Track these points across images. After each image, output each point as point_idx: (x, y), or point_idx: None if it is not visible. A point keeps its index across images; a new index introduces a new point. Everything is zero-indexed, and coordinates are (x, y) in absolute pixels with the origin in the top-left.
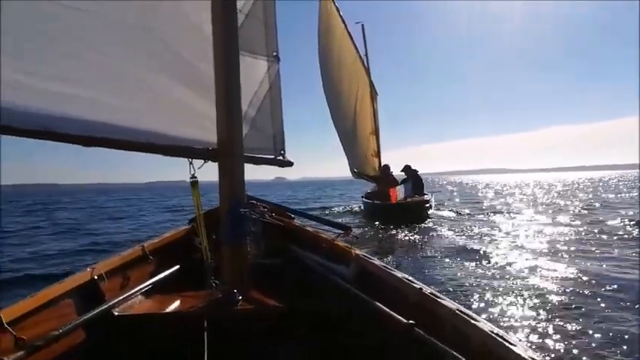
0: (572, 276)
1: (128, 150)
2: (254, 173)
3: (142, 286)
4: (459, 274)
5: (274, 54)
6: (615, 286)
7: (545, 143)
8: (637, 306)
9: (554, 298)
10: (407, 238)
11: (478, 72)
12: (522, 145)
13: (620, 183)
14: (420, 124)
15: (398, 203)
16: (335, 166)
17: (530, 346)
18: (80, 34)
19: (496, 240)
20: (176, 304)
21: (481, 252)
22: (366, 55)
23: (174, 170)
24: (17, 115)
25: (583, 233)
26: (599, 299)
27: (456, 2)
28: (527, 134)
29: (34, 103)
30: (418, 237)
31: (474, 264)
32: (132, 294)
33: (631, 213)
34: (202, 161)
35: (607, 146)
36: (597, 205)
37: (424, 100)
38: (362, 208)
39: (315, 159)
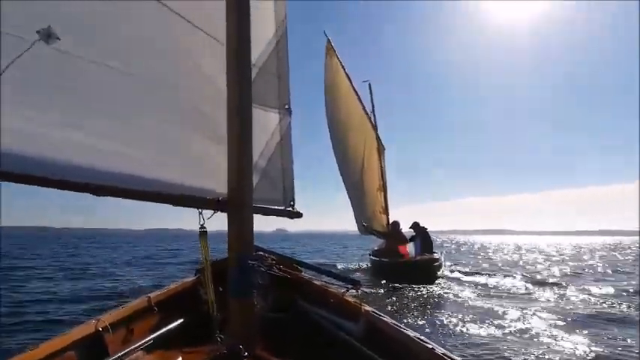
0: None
1: (137, 199)
2: (255, 224)
3: (145, 340)
4: (472, 337)
5: (286, 107)
6: None
7: (550, 205)
8: None
9: None
10: (417, 298)
11: (480, 128)
12: (530, 205)
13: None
14: (424, 183)
15: (407, 262)
16: (339, 219)
17: None
18: (99, 88)
19: (513, 304)
20: (179, 359)
21: (496, 316)
22: (373, 111)
23: (172, 218)
24: (26, 162)
25: (597, 300)
26: None
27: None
28: (531, 196)
29: (45, 151)
30: (428, 297)
31: (488, 328)
32: (135, 348)
33: None
34: (212, 211)
35: (613, 210)
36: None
37: (427, 157)
38: (368, 265)
39: (318, 212)
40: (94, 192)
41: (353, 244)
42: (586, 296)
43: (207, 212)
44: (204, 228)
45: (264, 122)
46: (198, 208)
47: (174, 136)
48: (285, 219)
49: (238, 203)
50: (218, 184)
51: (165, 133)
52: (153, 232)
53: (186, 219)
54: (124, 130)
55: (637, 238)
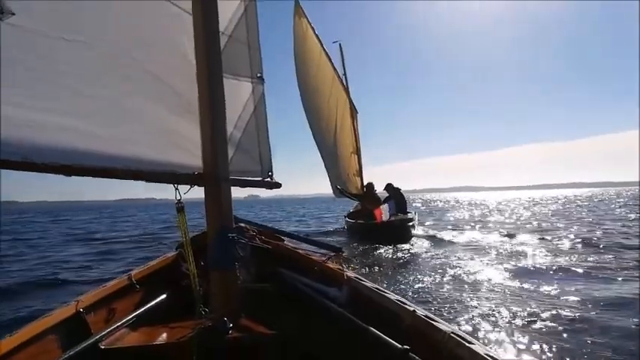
0: (559, 292)
1: (110, 177)
2: None
3: (128, 317)
4: (448, 294)
5: (258, 75)
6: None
7: (516, 161)
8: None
9: (545, 317)
10: (393, 258)
11: (450, 88)
12: (496, 162)
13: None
14: (392, 142)
15: (382, 223)
16: (310, 183)
17: None
18: (60, 63)
19: (486, 258)
20: (164, 334)
21: (470, 270)
22: (345, 74)
23: (144, 189)
24: None
25: (564, 247)
26: (586, 314)
27: (426, 3)
28: (499, 152)
29: (9, 133)
30: (404, 257)
31: (463, 283)
32: (119, 326)
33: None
34: (188, 186)
35: (577, 164)
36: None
37: (396, 116)
38: (344, 227)
39: (289, 177)
40: (65, 172)
41: (326, 207)
42: (552, 244)
43: (184, 187)
44: (182, 203)
45: (237, 92)
46: (173, 184)
47: (146, 112)
48: None
49: (214, 176)
50: (194, 158)
51: (137, 110)
52: (123, 203)
53: (158, 188)
54: (92, 108)
55: (598, 189)
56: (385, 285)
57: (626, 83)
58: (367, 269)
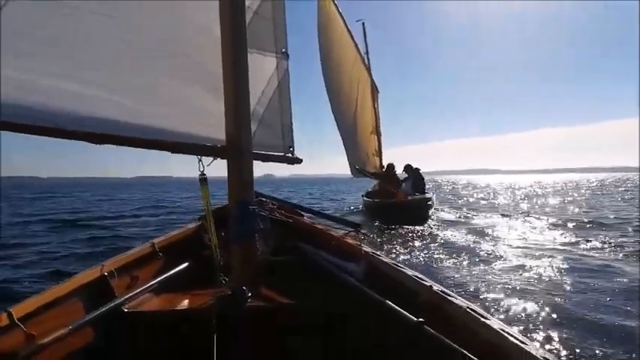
0: (571, 273)
1: (137, 147)
2: None
3: (151, 283)
4: (465, 273)
5: (283, 51)
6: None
7: (533, 145)
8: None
9: (556, 298)
10: (410, 237)
11: (463, 71)
12: (512, 145)
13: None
14: (409, 124)
15: (399, 202)
16: (326, 163)
17: (542, 345)
18: (92, 36)
19: (501, 240)
20: (185, 301)
21: (487, 252)
22: (367, 53)
23: (162, 166)
24: (26, 112)
25: (575, 231)
26: (604, 296)
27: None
28: (516, 135)
29: (45, 101)
30: (422, 236)
31: (479, 264)
32: (141, 291)
33: None
34: (211, 158)
35: (590, 149)
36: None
37: (410, 98)
38: (362, 207)
39: (304, 156)
40: (95, 140)
41: (340, 188)
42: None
43: (206, 160)
44: (204, 175)
45: (261, 67)
46: (197, 155)
47: (171, 86)
48: (272, 164)
49: (237, 150)
50: (217, 131)
51: (163, 83)
52: (142, 180)
53: (174, 167)
54: (122, 80)
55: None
56: (400, 262)
57: None
58: (383, 247)
